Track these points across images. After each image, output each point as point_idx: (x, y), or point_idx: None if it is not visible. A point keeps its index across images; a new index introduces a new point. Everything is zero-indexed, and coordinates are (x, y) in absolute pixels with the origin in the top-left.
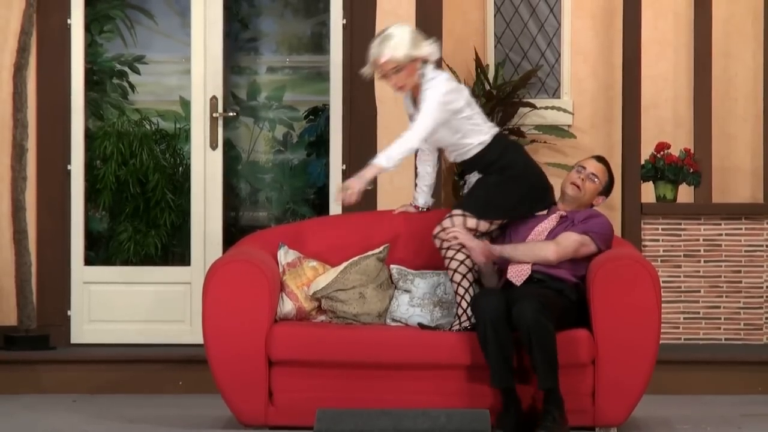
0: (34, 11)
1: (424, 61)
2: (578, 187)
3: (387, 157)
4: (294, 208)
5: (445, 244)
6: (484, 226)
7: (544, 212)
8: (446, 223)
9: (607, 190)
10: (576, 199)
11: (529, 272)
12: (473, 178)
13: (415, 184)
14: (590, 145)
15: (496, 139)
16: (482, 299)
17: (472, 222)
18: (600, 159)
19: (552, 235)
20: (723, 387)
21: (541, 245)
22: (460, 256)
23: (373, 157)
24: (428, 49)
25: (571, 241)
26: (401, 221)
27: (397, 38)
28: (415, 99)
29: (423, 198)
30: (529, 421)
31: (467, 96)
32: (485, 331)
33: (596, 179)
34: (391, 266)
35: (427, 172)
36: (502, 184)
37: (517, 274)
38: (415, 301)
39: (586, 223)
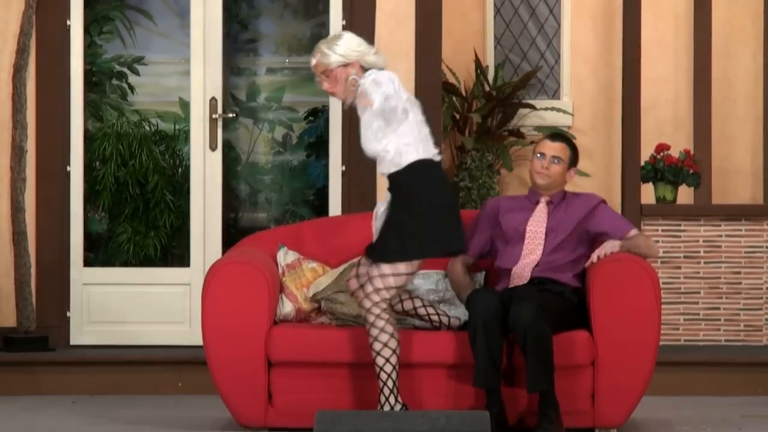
0: (34, 12)
1: (365, 69)
2: (545, 174)
3: None
4: (293, 209)
5: (367, 304)
6: (391, 278)
7: (542, 206)
8: (361, 270)
9: (573, 163)
10: (548, 185)
11: (529, 276)
12: (381, 209)
13: None
14: (590, 146)
15: (415, 166)
16: (476, 298)
17: (387, 269)
18: (555, 137)
19: (551, 222)
20: (723, 388)
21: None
22: (384, 337)
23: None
24: (358, 54)
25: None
26: None
27: (329, 42)
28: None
29: None
30: (521, 424)
31: (407, 101)
32: (475, 330)
33: (560, 161)
34: None
35: None
36: (395, 220)
37: (518, 280)
38: None
39: (608, 218)
